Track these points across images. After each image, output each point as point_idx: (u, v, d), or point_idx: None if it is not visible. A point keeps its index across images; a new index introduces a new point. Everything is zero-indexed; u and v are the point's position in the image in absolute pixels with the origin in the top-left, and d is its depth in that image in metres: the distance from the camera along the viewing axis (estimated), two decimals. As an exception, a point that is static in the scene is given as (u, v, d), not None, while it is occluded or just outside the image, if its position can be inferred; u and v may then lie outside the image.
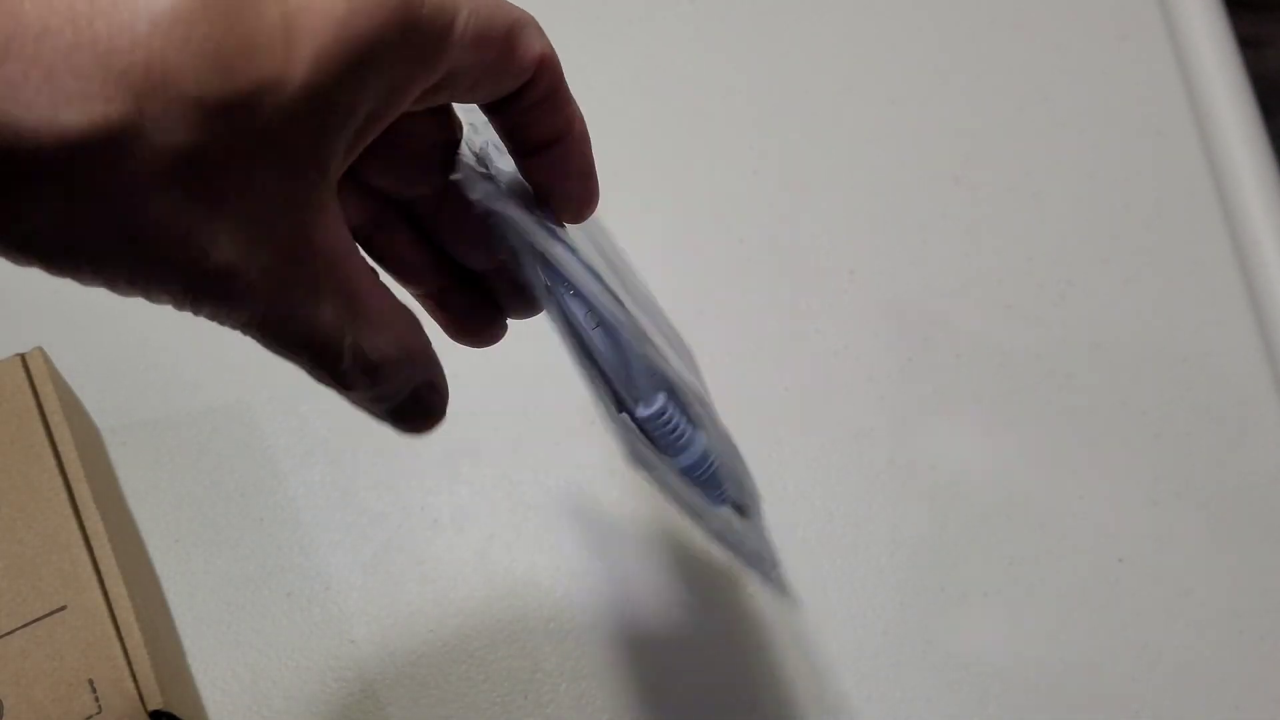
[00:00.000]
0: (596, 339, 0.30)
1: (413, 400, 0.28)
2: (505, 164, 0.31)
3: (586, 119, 0.62)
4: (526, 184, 0.31)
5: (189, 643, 0.46)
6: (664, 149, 0.58)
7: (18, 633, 0.40)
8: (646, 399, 0.30)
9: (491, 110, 0.29)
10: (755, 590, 0.47)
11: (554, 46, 0.29)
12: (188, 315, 0.55)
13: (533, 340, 0.53)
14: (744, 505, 0.32)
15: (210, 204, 0.22)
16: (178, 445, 0.50)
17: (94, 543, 0.42)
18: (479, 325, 0.34)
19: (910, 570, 0.48)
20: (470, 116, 0.31)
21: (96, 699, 0.39)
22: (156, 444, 0.50)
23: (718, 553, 0.48)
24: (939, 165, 0.58)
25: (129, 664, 0.39)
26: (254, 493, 0.49)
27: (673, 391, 0.30)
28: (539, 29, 0.28)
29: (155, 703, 0.39)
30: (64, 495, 0.42)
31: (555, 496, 0.49)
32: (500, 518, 0.49)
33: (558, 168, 0.31)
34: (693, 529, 0.49)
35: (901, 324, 0.54)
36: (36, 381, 0.44)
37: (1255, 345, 0.53)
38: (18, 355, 0.45)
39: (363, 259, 0.26)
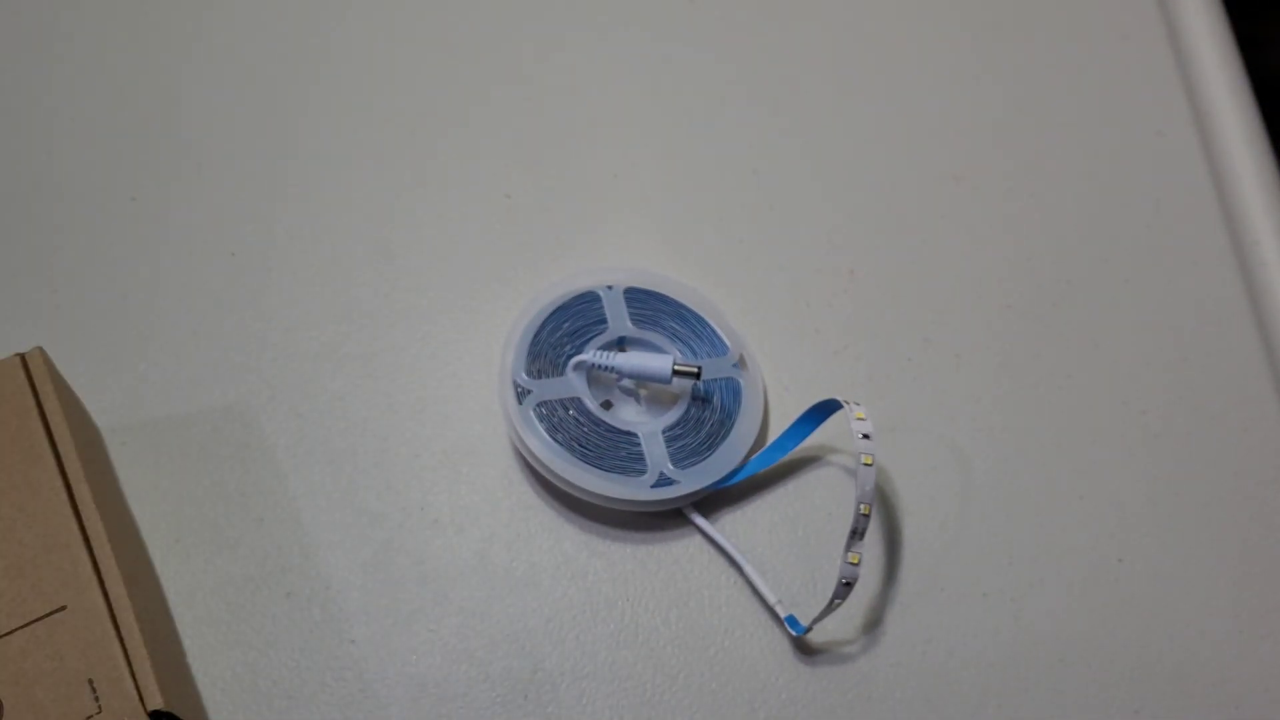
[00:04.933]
0: None
1: None
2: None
3: (587, 120, 0.63)
4: None
5: (189, 643, 0.46)
6: (664, 149, 0.58)
7: (18, 633, 0.40)
8: None
9: None
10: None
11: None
12: (187, 315, 0.55)
13: (533, 340, 0.53)
14: None
15: None
16: (178, 445, 0.50)
17: (94, 543, 0.42)
18: None
19: (910, 570, 0.48)
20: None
21: (96, 699, 0.39)
22: (156, 444, 0.50)
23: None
24: (939, 165, 0.58)
25: (129, 664, 0.39)
26: (254, 493, 0.49)
27: None
28: None
29: (155, 703, 0.39)
30: (64, 495, 0.42)
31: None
32: (500, 518, 0.49)
33: None
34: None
35: (901, 324, 0.54)
36: (36, 381, 0.44)
37: (1255, 345, 0.53)
38: (18, 355, 0.45)
39: None
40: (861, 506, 0.44)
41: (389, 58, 0.60)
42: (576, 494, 0.48)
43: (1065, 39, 0.61)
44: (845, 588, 0.44)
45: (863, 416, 0.45)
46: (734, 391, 0.50)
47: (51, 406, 0.44)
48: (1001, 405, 0.52)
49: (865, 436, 0.44)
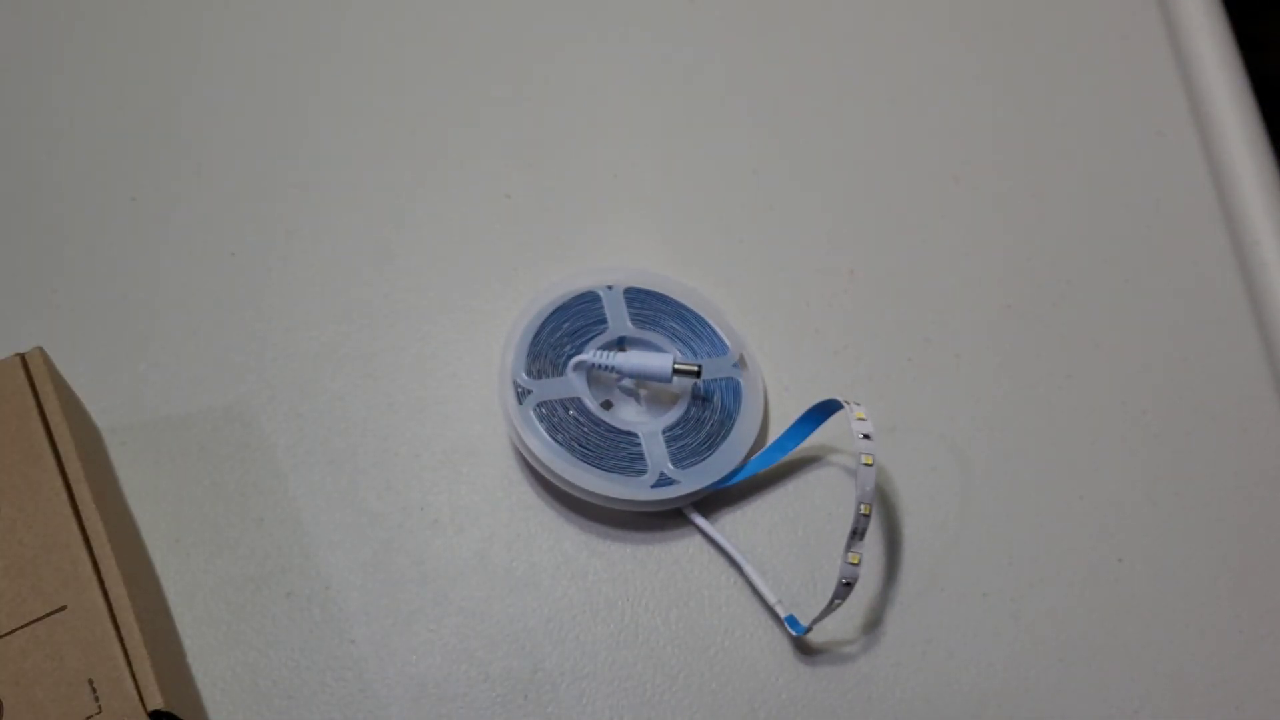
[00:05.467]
0: None
1: None
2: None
3: (588, 120, 0.63)
4: None
5: (189, 643, 0.46)
6: (664, 149, 0.58)
7: (18, 633, 0.40)
8: None
9: None
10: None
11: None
12: (187, 315, 0.55)
13: (533, 340, 0.53)
14: None
15: None
16: (178, 445, 0.50)
17: (94, 543, 0.42)
18: None
19: (910, 570, 0.48)
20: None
21: (96, 699, 0.39)
22: (156, 444, 0.50)
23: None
24: (939, 165, 0.58)
25: (129, 664, 0.39)
26: (254, 493, 0.49)
27: None
28: None
29: (155, 703, 0.39)
30: (64, 495, 0.42)
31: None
32: (500, 518, 0.49)
33: None
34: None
35: (901, 324, 0.54)
36: (36, 381, 0.44)
37: (1255, 345, 0.53)
38: (18, 355, 0.45)
39: None
40: (862, 506, 0.44)
41: (389, 58, 0.60)
42: (577, 494, 0.48)
43: (1065, 39, 0.61)
44: (845, 588, 0.44)
45: (863, 417, 0.45)
46: (734, 391, 0.50)
47: (51, 406, 0.44)
48: (1001, 405, 0.52)
49: (866, 437, 0.44)
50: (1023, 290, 0.55)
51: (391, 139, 0.58)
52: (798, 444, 0.49)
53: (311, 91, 0.59)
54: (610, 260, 0.55)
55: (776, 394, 0.52)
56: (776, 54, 0.61)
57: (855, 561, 0.44)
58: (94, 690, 0.39)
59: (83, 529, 0.42)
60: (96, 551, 0.41)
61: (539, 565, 0.48)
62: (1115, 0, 0.62)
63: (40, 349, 0.45)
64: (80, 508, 0.42)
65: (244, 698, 0.45)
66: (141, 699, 0.39)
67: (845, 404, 0.46)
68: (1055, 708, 0.46)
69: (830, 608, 0.44)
